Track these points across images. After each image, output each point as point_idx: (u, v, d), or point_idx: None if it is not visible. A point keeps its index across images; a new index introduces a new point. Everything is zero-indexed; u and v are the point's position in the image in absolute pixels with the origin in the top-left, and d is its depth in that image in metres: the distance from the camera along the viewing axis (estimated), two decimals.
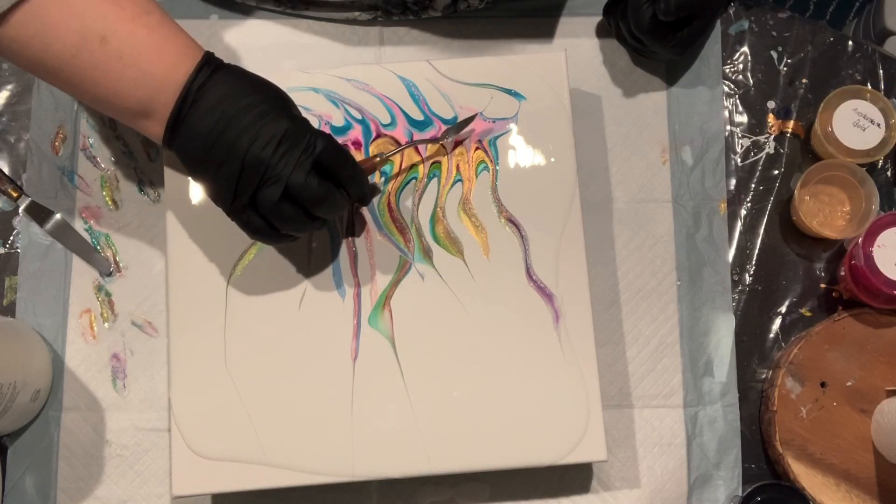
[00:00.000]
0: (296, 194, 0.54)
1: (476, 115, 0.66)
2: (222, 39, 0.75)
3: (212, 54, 0.56)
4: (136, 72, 0.53)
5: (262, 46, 0.75)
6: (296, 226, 0.56)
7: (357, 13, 0.75)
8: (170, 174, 0.66)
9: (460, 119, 0.66)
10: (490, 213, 0.66)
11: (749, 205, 0.74)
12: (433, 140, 0.66)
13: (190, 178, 0.63)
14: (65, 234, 0.71)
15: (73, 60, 0.53)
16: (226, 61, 0.56)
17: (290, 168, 0.53)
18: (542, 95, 0.67)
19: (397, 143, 0.67)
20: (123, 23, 0.53)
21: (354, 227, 0.66)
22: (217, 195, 0.55)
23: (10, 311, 0.71)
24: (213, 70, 0.55)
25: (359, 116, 0.67)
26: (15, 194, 0.71)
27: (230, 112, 0.53)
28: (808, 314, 0.72)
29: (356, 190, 0.58)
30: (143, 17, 0.54)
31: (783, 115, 0.75)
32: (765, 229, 0.73)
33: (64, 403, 0.69)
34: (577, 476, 0.69)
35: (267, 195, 0.54)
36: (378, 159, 0.62)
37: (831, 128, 0.71)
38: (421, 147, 0.67)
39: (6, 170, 0.73)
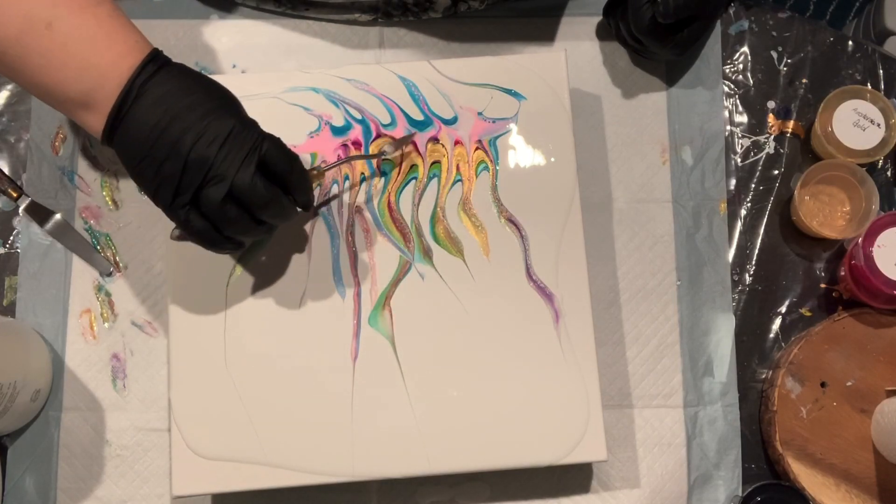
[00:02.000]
0: (241, 195, 0.53)
1: (413, 133, 0.66)
2: (222, 39, 0.75)
3: (159, 51, 0.54)
4: (80, 61, 0.52)
5: (262, 46, 0.75)
6: (241, 228, 0.55)
7: (357, 14, 0.75)
8: None
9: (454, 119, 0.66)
10: (490, 213, 0.66)
11: (749, 205, 0.74)
12: (369, 156, 0.65)
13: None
14: (65, 234, 0.71)
15: (16, 44, 0.51)
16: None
17: (236, 168, 0.52)
18: (542, 95, 0.67)
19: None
20: (72, 11, 0.52)
21: (354, 227, 0.66)
22: (157, 193, 0.53)
23: (10, 311, 0.71)
24: (159, 66, 0.53)
25: (359, 116, 0.67)
26: (15, 194, 0.71)
27: (175, 109, 0.52)
28: (808, 314, 0.72)
29: (302, 196, 0.57)
30: (93, 7, 0.52)
31: (783, 115, 0.75)
32: (765, 229, 0.73)
33: (64, 403, 0.69)
34: (577, 476, 0.69)
35: (210, 194, 0.52)
36: (315, 172, 0.61)
37: (831, 128, 0.71)
38: (421, 147, 0.67)
39: (6, 170, 0.73)
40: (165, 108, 0.52)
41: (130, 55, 0.53)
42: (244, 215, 0.54)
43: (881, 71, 0.76)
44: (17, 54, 0.52)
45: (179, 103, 0.52)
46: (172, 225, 0.57)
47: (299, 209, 0.58)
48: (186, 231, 0.55)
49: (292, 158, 0.56)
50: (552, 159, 0.66)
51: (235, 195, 0.53)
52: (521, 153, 0.67)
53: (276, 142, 0.55)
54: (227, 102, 0.54)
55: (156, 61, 0.53)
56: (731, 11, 0.76)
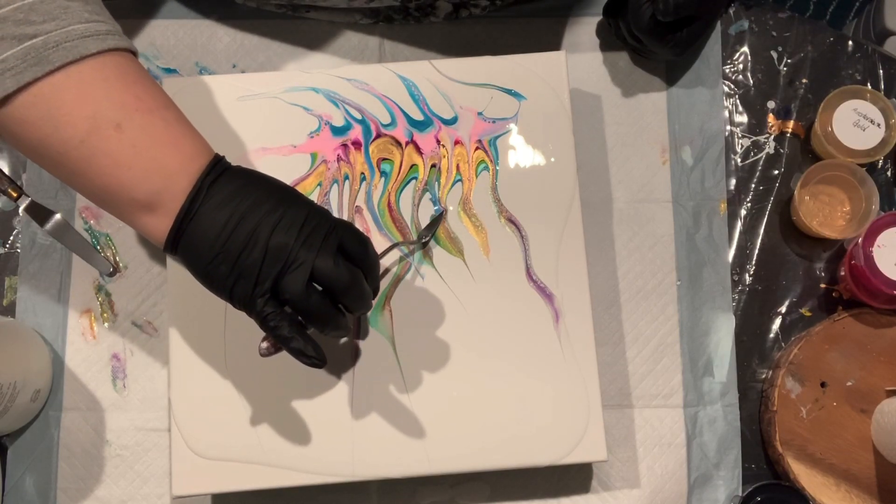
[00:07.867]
0: (323, 280, 0.52)
1: (444, 211, 0.65)
2: (222, 40, 0.75)
3: (222, 156, 0.54)
4: (148, 162, 0.51)
5: (262, 47, 0.75)
6: (323, 317, 0.53)
7: (358, 17, 0.75)
8: None
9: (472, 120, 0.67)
10: (490, 212, 0.66)
11: (749, 205, 0.74)
12: (415, 242, 0.65)
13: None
14: (65, 234, 0.71)
15: (81, 146, 0.49)
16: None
17: (315, 252, 0.51)
18: (542, 95, 0.67)
19: (397, 142, 0.67)
20: (141, 113, 0.50)
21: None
22: (234, 288, 0.52)
23: (10, 311, 0.71)
24: (223, 169, 0.53)
25: (359, 116, 0.67)
26: (15, 194, 0.71)
27: (246, 203, 0.51)
28: (808, 314, 0.72)
29: (374, 279, 0.56)
30: (162, 110, 0.52)
31: (783, 115, 0.75)
32: (765, 229, 0.73)
33: (64, 403, 0.69)
34: (577, 476, 0.69)
35: (292, 280, 0.51)
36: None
37: (831, 128, 0.71)
38: (422, 146, 0.67)
39: (6, 170, 0.73)
40: (237, 203, 0.51)
41: (198, 157, 0.52)
42: (326, 301, 0.53)
43: (881, 71, 0.76)
44: (83, 156, 0.50)
45: (250, 197, 0.52)
46: None
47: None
48: (265, 326, 0.53)
49: (365, 241, 0.55)
50: (552, 159, 0.66)
51: (318, 280, 0.52)
52: (521, 153, 0.67)
53: (349, 226, 0.54)
54: (294, 193, 0.54)
55: (220, 164, 0.53)
56: (731, 11, 0.76)
